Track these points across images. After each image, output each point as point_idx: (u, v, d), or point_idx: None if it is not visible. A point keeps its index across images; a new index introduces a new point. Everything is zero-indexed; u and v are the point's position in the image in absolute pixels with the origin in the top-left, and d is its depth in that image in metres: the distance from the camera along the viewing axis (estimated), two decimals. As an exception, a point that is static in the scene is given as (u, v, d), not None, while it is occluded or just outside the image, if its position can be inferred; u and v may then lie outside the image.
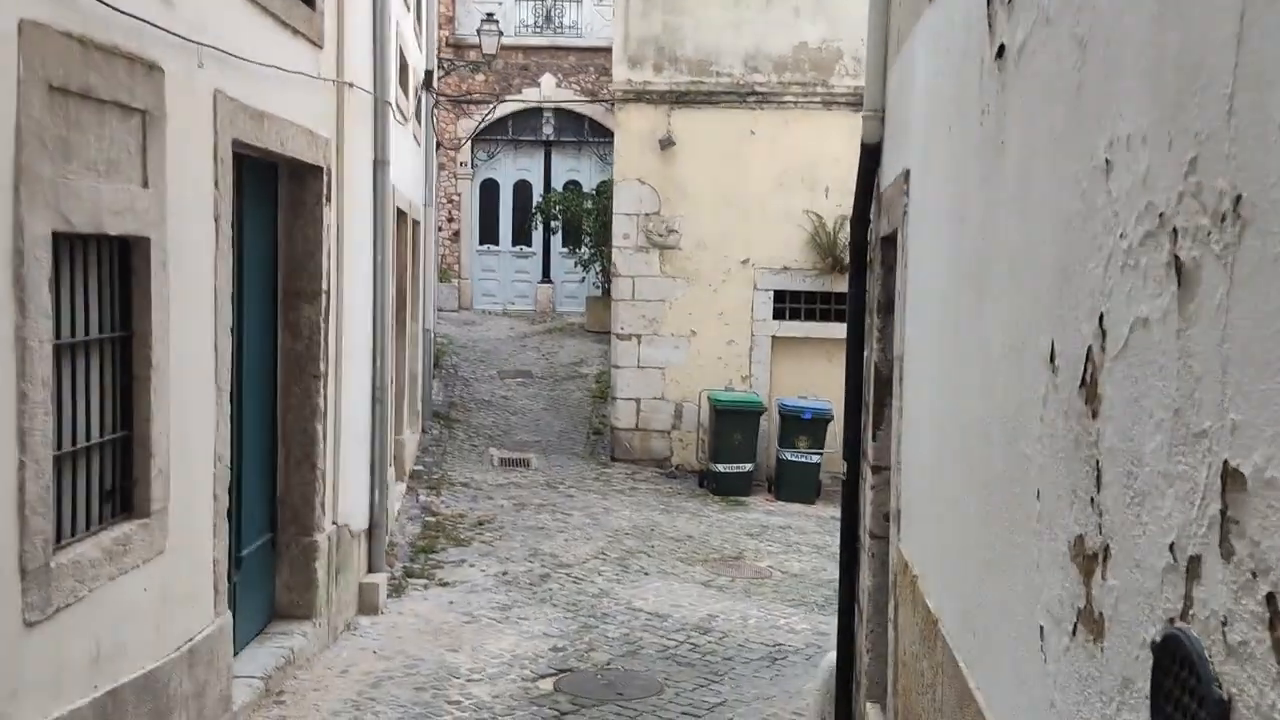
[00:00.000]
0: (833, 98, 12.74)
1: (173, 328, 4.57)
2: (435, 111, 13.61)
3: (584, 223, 19.51)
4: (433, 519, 10.23)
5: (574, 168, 21.49)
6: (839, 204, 12.64)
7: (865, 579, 5.04)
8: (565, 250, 21.11)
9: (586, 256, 19.66)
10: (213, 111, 4.93)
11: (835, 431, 12.14)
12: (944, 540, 3.04)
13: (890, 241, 4.88)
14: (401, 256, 11.07)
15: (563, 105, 21.28)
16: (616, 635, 7.50)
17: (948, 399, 3.00)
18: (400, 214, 10.87)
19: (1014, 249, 2.27)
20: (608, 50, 21.25)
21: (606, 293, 20.18)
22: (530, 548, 9.57)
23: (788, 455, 12.25)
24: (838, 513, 12.78)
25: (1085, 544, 1.69)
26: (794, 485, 12.27)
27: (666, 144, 12.84)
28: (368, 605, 7.60)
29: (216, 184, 5.04)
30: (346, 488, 7.24)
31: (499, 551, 9.39)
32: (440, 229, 21.30)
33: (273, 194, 6.52)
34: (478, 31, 16.62)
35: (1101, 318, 1.64)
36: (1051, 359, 1.92)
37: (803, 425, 12.16)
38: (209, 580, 5.11)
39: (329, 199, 6.70)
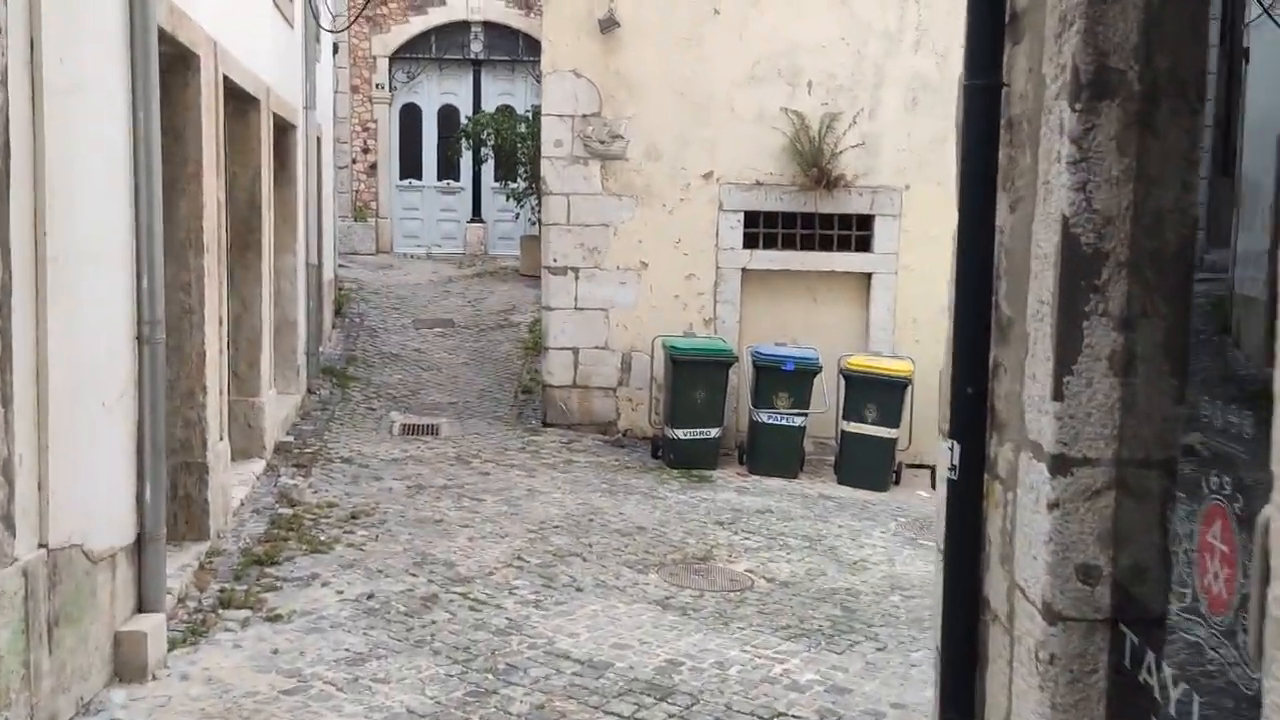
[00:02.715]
0: (818, -34, 9.81)
1: None
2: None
3: (519, 150, 16.45)
4: (289, 511, 7.26)
5: (507, 90, 18.37)
6: (825, 101, 9.80)
7: (1029, 704, 2.20)
8: (498, 185, 18.05)
9: (521, 190, 16.62)
10: None
11: (822, 386, 9.38)
12: None
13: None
14: (249, 157, 8.02)
15: (493, 19, 18.12)
16: (525, 709, 4.63)
17: None
18: (245, 98, 7.82)
19: None
20: (544, -45, 18.19)
21: (544, 231, 17.20)
22: (417, 552, 6.66)
23: (763, 417, 9.42)
24: (827, 489, 9.98)
25: None
26: (771, 455, 9.46)
27: (608, 25, 9.85)
28: (130, 668, 4.66)
29: None
30: (76, 482, 4.27)
31: (371, 559, 6.47)
32: (354, 161, 18.18)
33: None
34: (383, -88, 13.38)
35: None
36: None
37: (783, 379, 9.33)
38: None
39: (-8, -23, 3.68)
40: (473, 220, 18.44)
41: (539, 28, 18.52)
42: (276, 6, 9.11)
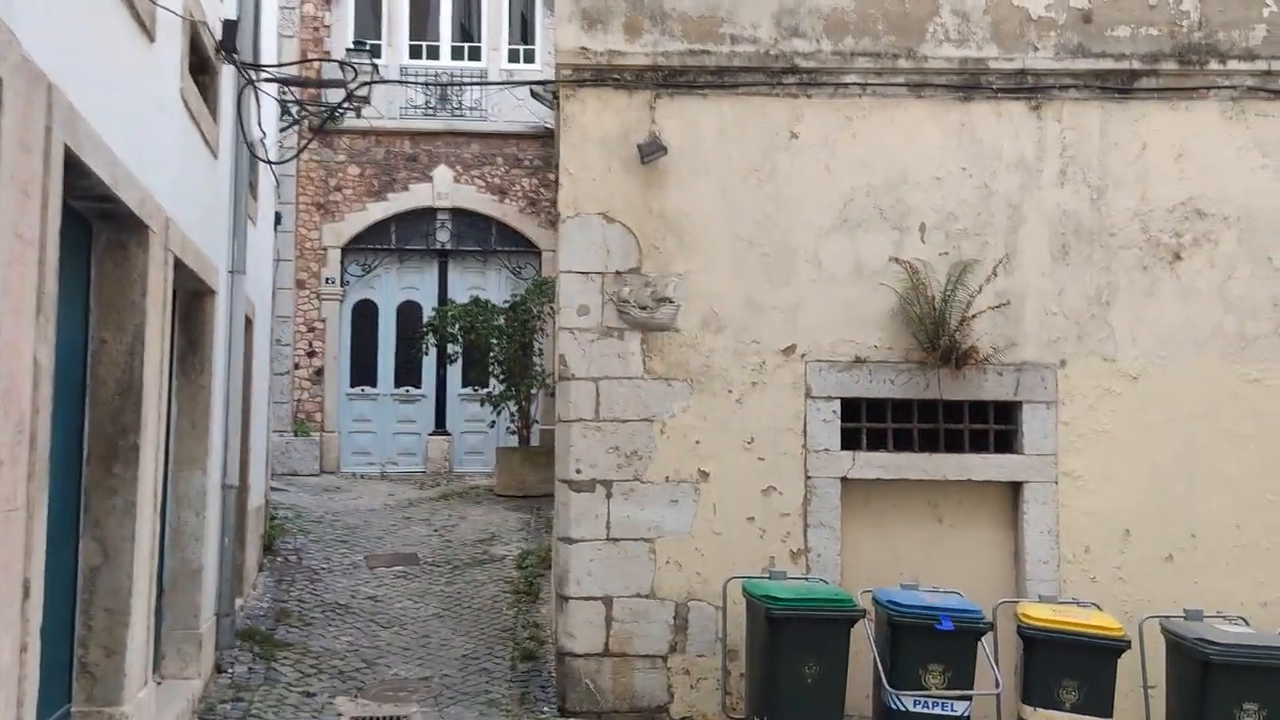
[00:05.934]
0: (924, 76, 7.24)
1: None
2: (249, 99, 7.62)
3: (494, 348, 13.52)
4: None
5: (478, 285, 15.58)
6: (944, 250, 7.05)
7: None
8: (467, 391, 15.00)
9: (498, 394, 13.58)
10: None
11: (987, 653, 6.14)
12: None
13: None
14: (124, 315, 4.88)
15: (462, 205, 15.56)
16: None
17: None
18: (123, 219, 4.75)
19: None
20: (519, 137, 15.78)
21: (525, 441, 13.99)
22: None
23: (907, 703, 6.06)
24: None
25: None
26: (920, 760, 6.07)
27: (651, 151, 7.08)
28: None
29: None
30: None
31: None
32: (297, 366, 15.08)
33: None
34: (341, 64, 10.76)
35: None
36: None
37: (935, 644, 6.05)
38: None
39: None
40: (435, 433, 15.23)
41: (514, 214, 16.00)
42: (191, 116, 6.21)
